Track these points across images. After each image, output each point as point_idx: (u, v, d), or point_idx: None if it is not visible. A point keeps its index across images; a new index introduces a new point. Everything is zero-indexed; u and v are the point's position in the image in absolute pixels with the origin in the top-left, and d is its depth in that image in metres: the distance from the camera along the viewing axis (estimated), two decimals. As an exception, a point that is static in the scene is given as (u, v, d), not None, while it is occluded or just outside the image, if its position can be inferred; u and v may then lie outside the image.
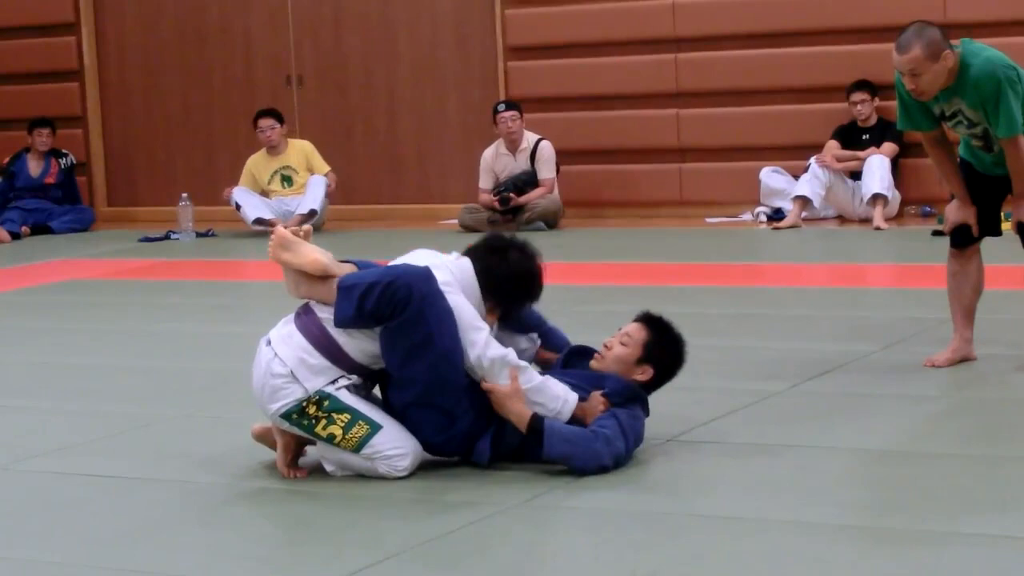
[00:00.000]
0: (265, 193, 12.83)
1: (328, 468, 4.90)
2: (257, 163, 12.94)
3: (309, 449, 5.00)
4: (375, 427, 4.78)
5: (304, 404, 4.77)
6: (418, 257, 4.96)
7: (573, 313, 7.08)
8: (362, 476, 4.83)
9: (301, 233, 4.93)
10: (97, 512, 4.72)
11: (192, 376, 6.81)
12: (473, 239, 5.15)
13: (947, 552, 3.96)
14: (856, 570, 3.87)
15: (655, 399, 5.25)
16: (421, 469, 4.88)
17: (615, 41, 12.63)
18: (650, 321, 5.06)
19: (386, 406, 4.91)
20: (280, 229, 4.95)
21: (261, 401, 4.87)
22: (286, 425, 4.84)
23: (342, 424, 4.77)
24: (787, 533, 4.16)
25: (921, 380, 5.96)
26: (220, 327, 8.24)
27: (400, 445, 4.79)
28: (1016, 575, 3.79)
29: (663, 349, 5.02)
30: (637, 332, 5.02)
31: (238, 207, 12.65)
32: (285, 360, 4.79)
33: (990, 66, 5.80)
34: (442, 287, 4.74)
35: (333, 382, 4.80)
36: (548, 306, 5.31)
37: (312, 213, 12.39)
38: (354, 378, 4.83)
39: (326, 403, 4.77)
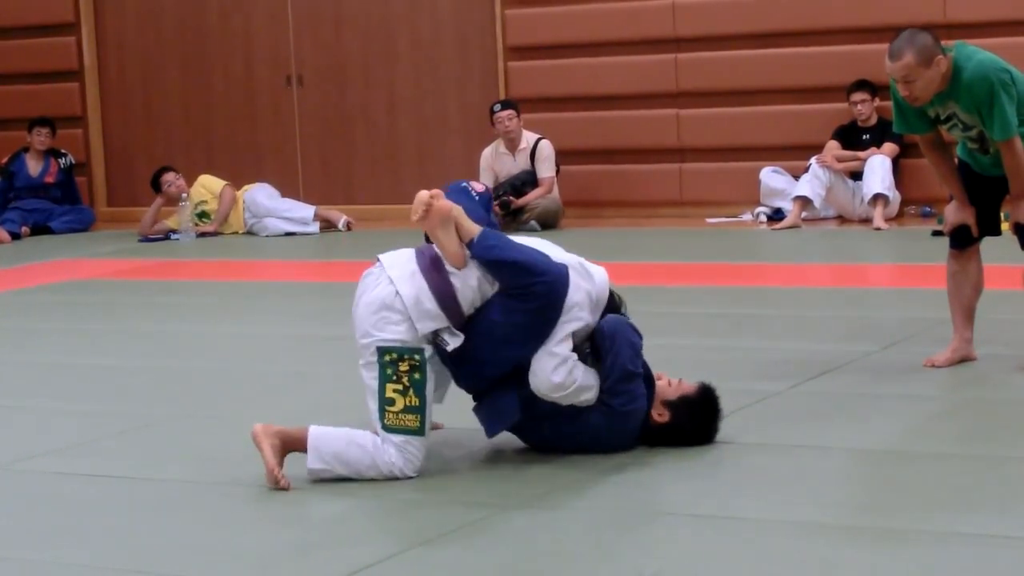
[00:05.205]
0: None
1: (314, 465, 4.79)
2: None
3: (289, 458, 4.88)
4: (420, 432, 4.80)
5: (406, 355, 4.75)
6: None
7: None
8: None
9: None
10: (97, 512, 4.72)
11: (192, 376, 6.81)
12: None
13: (947, 552, 3.96)
14: (856, 570, 3.86)
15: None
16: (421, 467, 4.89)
17: (615, 41, 12.62)
18: (703, 387, 5.09)
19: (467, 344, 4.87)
20: (445, 200, 4.87)
21: (364, 326, 4.81)
22: (372, 360, 4.78)
23: (407, 404, 4.77)
24: (787, 533, 4.16)
25: (921, 380, 5.96)
26: (220, 327, 8.24)
27: (422, 457, 4.84)
28: (1016, 575, 3.80)
29: (692, 410, 5.04)
30: (687, 385, 5.08)
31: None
32: (405, 298, 4.76)
33: (983, 69, 5.80)
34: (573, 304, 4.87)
35: (443, 331, 4.77)
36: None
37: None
38: (459, 337, 4.79)
39: (417, 376, 4.77)
